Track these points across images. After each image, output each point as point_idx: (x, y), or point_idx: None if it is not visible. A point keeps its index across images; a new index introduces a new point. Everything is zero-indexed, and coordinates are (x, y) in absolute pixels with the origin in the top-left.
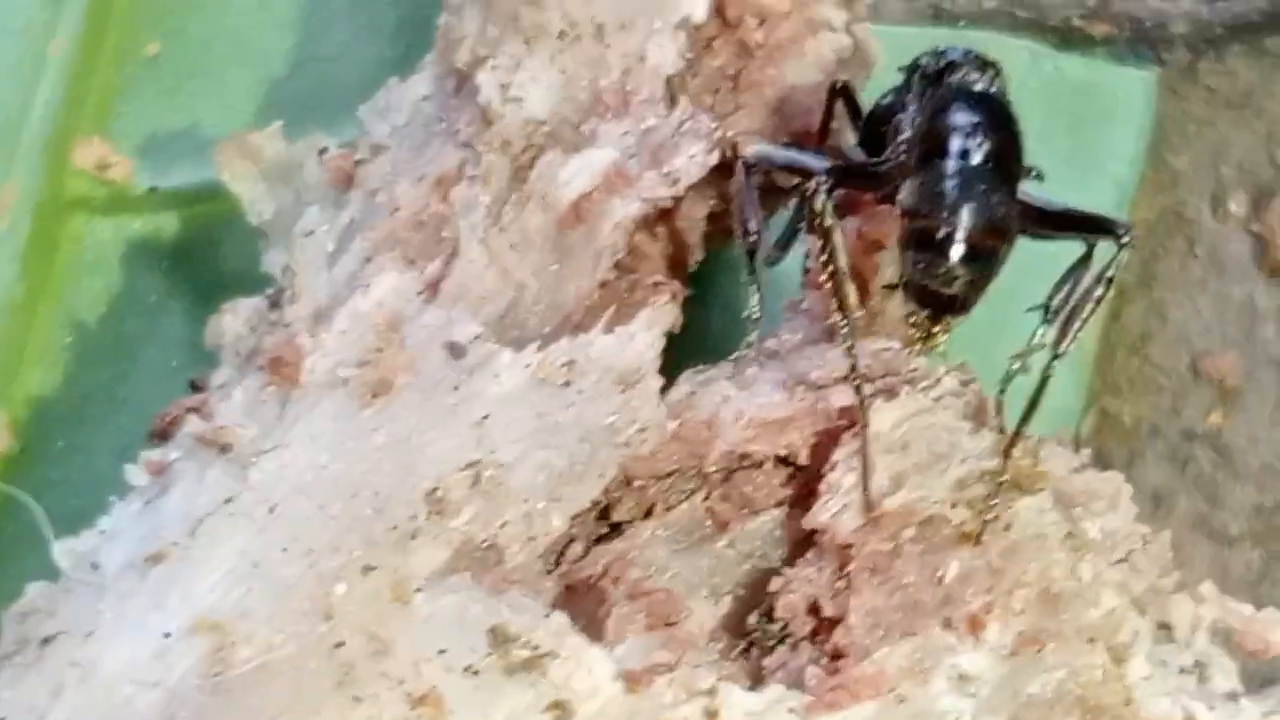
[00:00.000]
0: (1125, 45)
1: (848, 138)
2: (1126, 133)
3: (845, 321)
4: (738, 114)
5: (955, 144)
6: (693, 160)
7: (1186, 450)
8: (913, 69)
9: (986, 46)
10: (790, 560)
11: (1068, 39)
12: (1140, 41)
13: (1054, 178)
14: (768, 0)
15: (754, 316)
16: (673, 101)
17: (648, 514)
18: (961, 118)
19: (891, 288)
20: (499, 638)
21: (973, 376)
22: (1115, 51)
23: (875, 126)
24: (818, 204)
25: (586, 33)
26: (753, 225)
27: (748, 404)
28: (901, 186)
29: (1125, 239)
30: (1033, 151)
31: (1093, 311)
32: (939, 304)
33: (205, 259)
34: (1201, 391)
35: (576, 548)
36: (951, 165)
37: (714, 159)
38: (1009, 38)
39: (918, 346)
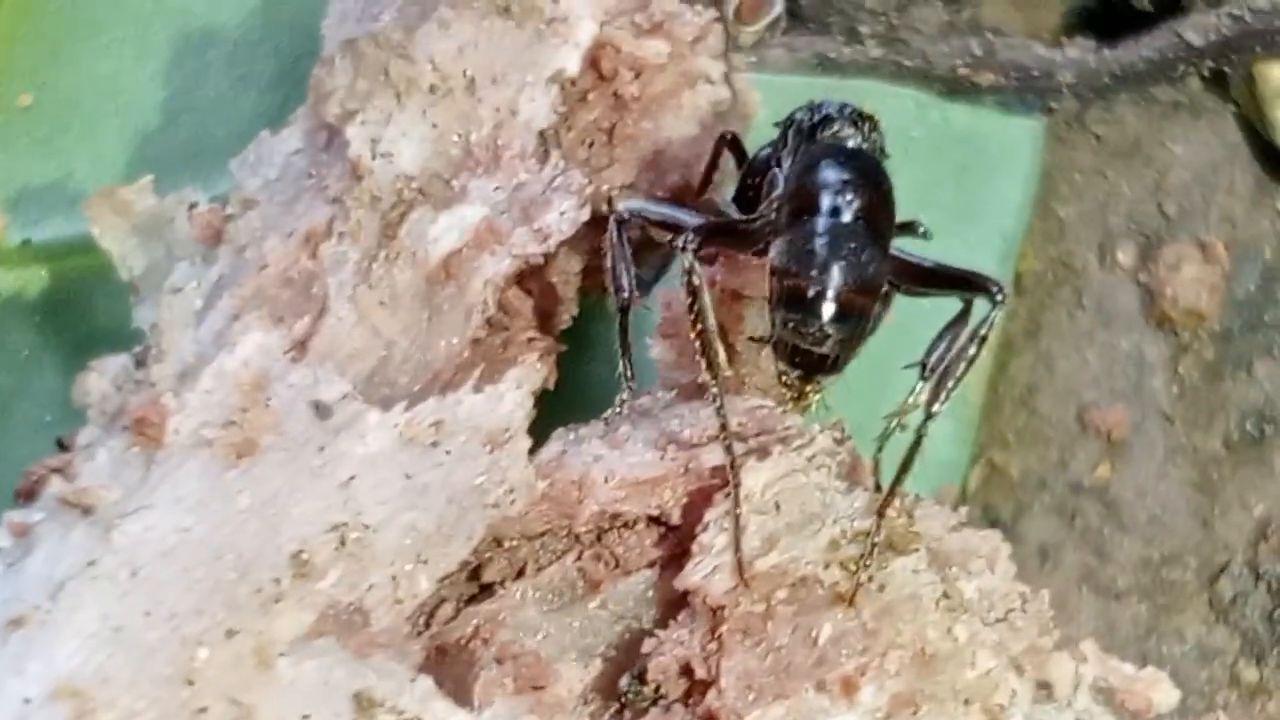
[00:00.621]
0: (1012, 94)
1: (729, 191)
2: (1013, 182)
3: (714, 380)
4: (612, 168)
5: (825, 201)
6: (564, 216)
7: (1074, 503)
8: (788, 123)
9: (872, 96)
10: (663, 621)
11: (954, 88)
12: (1027, 90)
13: (940, 228)
14: (643, 53)
15: (626, 375)
16: (545, 156)
17: (519, 574)
18: (831, 175)
19: (757, 340)
20: (364, 703)
21: (847, 435)
22: (1002, 100)
23: (751, 180)
24: (685, 262)
25: (458, 86)
26: (624, 281)
27: (619, 463)
28: (772, 245)
29: (999, 298)
30: (919, 202)
31: (966, 370)
32: (810, 364)
33: (78, 313)
34: (1089, 444)
35: (447, 608)
36: (821, 223)
37: (585, 214)
38: (895, 87)
39: (790, 406)
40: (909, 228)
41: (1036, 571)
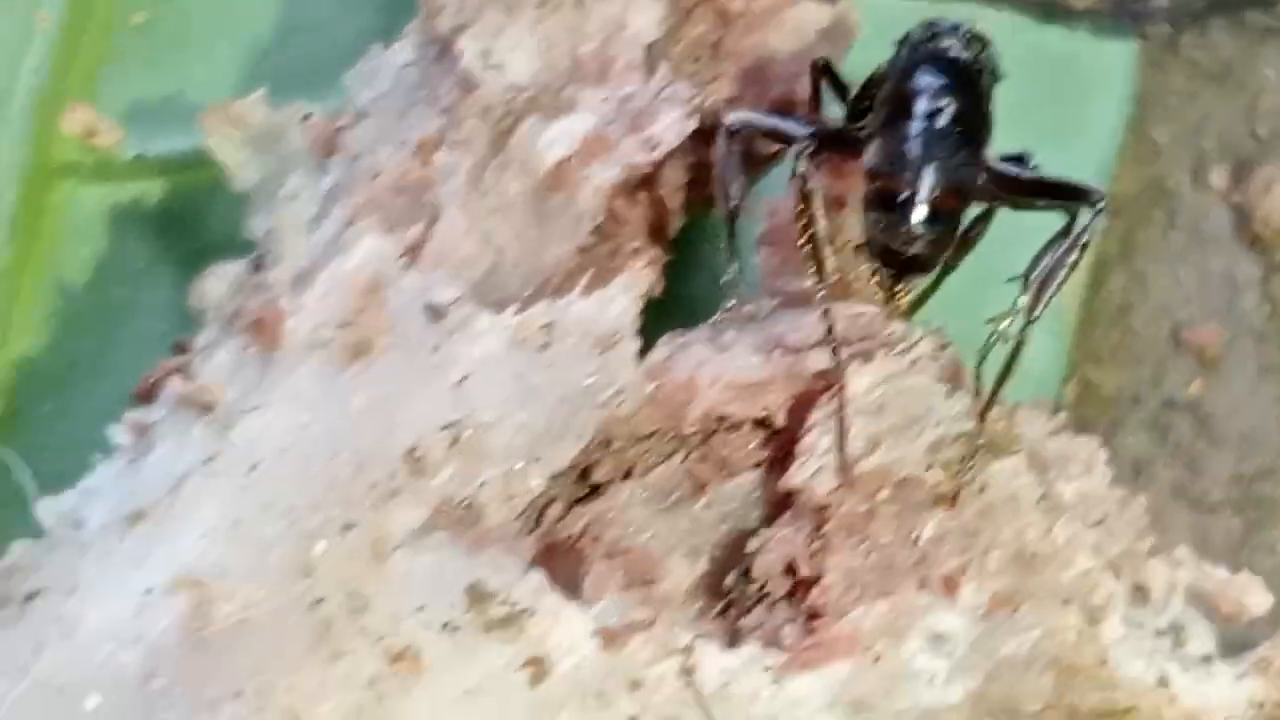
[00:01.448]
0: (1107, 18)
1: (834, 112)
2: (1108, 105)
3: (821, 285)
4: (717, 82)
5: (920, 106)
6: (671, 127)
7: (1167, 419)
8: (903, 42)
9: (967, 19)
10: (767, 521)
11: (1049, 12)
12: (1122, 14)
13: (1035, 150)
14: None
15: (732, 281)
16: (652, 69)
17: (626, 475)
18: (928, 80)
19: (860, 247)
20: (477, 595)
21: (948, 340)
22: (1097, 24)
23: (865, 98)
24: (799, 167)
25: (566, 0)
26: (733, 191)
27: (725, 367)
28: (867, 147)
29: (1099, 205)
30: (1014, 124)
31: (1067, 277)
32: (901, 264)
33: (190, 225)
34: (1182, 361)
35: (556, 508)
36: (915, 126)
37: (692, 125)
38: (990, 10)
39: (882, 307)
40: (1019, 160)
41: (1130, 487)
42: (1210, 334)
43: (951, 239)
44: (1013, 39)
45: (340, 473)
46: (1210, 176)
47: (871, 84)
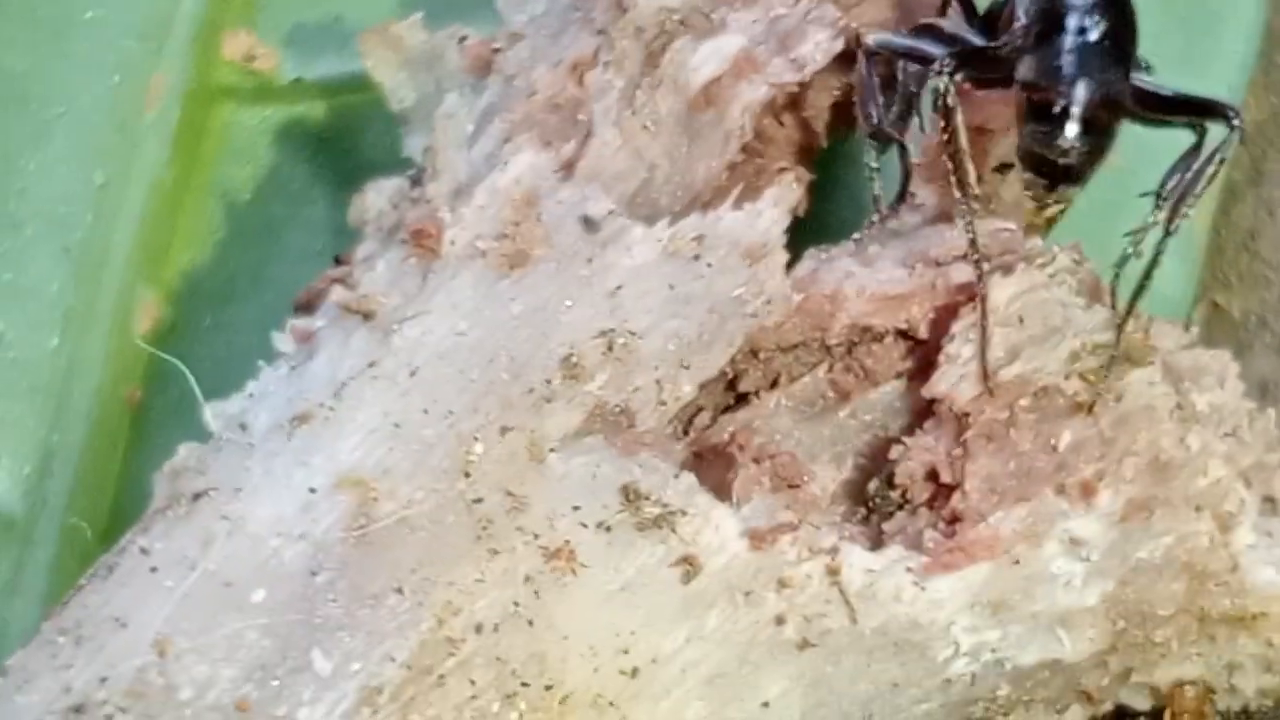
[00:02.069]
0: None
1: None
2: (1237, 35)
3: (965, 198)
4: (863, 5)
5: (1073, 21)
6: (818, 47)
7: None
8: None
9: None
10: (909, 430)
11: None
12: None
13: (1166, 78)
14: None
15: (877, 196)
16: None
17: (773, 385)
18: None
19: (1004, 168)
20: (630, 496)
21: (1083, 255)
22: None
23: (992, 16)
24: (940, 85)
25: None
26: (875, 110)
27: (869, 279)
28: (1020, 62)
29: (1236, 122)
30: (1147, 52)
31: (1203, 191)
32: (1055, 174)
33: (347, 146)
34: None
35: (704, 416)
36: (1069, 41)
37: (839, 46)
38: None
39: (1034, 218)
40: (1136, 63)
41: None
42: None
43: (1104, 151)
44: None
45: (498, 378)
46: None
47: (997, 6)
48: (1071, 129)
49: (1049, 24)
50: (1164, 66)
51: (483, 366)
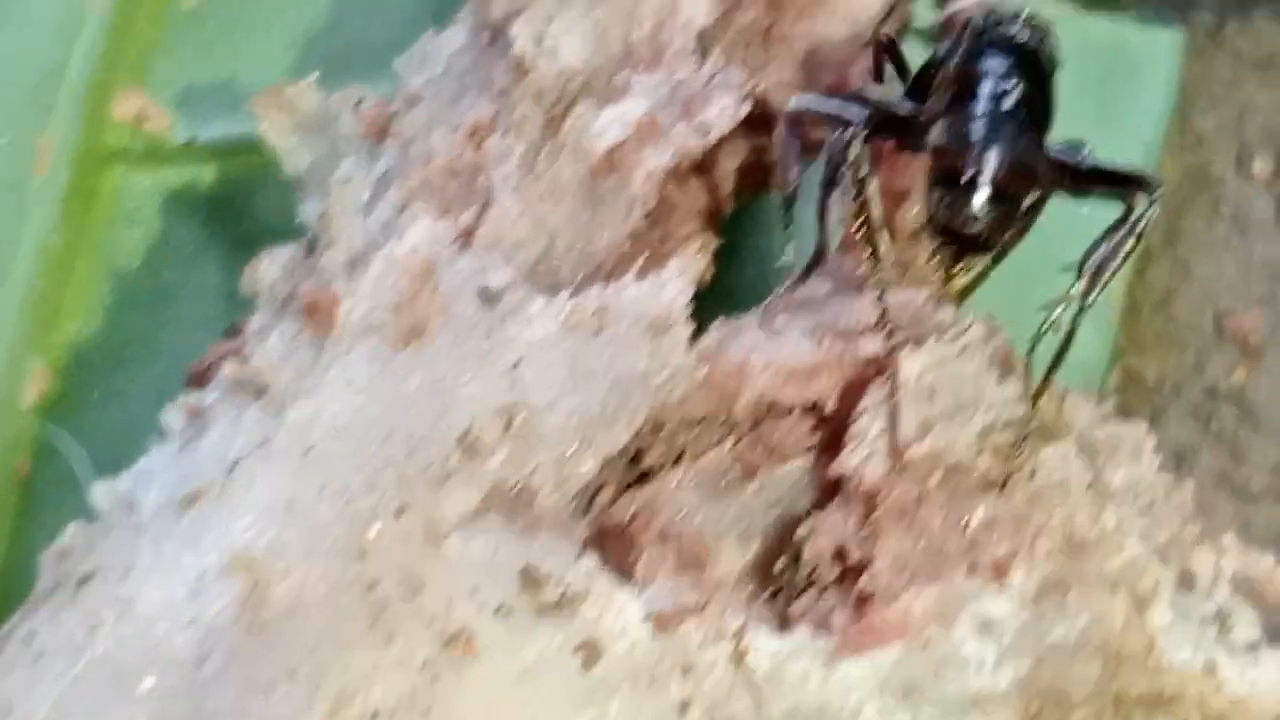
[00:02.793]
0: (1152, 7)
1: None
2: (1152, 94)
3: (876, 269)
4: (769, 68)
5: (986, 87)
6: (724, 112)
7: (1209, 407)
8: (963, 22)
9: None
10: (817, 506)
11: (1094, 1)
12: (1166, 3)
13: (1080, 136)
14: None
15: (787, 265)
16: (704, 55)
17: (677, 460)
18: (995, 63)
19: (917, 233)
20: (530, 578)
21: (997, 327)
22: (1142, 13)
23: (922, 79)
24: (853, 152)
25: None
26: (792, 175)
27: (776, 352)
28: (932, 128)
29: (1157, 194)
30: (1060, 112)
31: (1121, 264)
32: (962, 243)
33: (241, 210)
34: (1225, 349)
35: (607, 493)
36: (981, 107)
37: (745, 111)
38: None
39: (941, 287)
40: (1075, 148)
41: (1173, 475)
42: (1253, 321)
43: (1012, 220)
44: (1058, 27)
45: (394, 455)
46: (1254, 165)
47: (930, 67)
48: (979, 197)
49: (962, 89)
50: (1079, 127)
51: (379, 444)
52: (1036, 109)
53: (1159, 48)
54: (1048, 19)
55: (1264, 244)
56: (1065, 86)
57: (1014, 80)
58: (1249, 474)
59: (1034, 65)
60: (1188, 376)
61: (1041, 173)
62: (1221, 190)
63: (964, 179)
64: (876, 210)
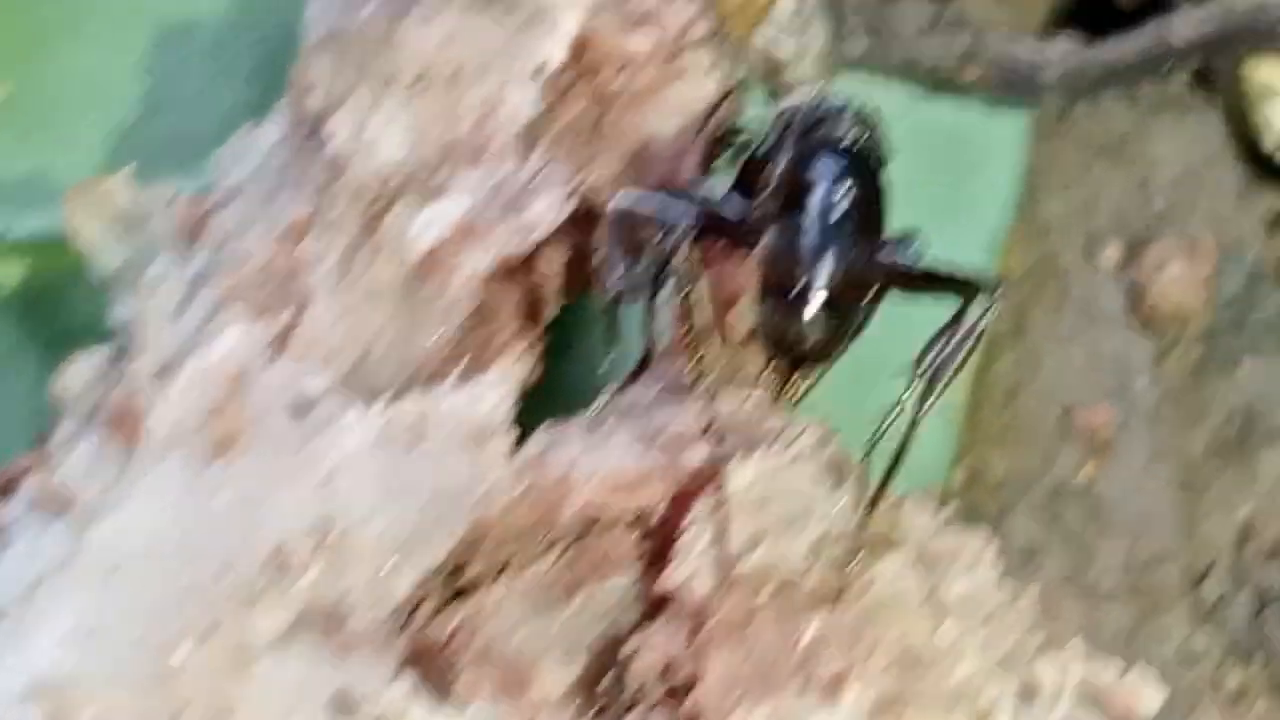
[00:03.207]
0: (998, 91)
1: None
2: (998, 179)
3: (703, 374)
4: (596, 162)
5: (817, 195)
6: (547, 211)
7: (1057, 504)
8: (790, 117)
9: (857, 91)
10: (644, 622)
11: (939, 84)
12: (1013, 87)
13: (924, 225)
14: (628, 46)
15: (611, 370)
16: (527, 151)
17: (500, 574)
18: (825, 169)
19: (745, 338)
20: (343, 702)
21: (831, 433)
22: (987, 97)
23: (749, 174)
24: (679, 255)
25: (440, 79)
26: (616, 276)
27: (601, 461)
28: (764, 236)
29: (995, 294)
30: (903, 198)
31: (959, 369)
32: (796, 354)
33: (54, 310)
34: (1073, 444)
35: (427, 607)
36: (812, 215)
37: (568, 209)
38: (880, 81)
39: (776, 398)
40: (906, 239)
41: (1020, 573)
42: (1102, 416)
43: (847, 331)
44: (903, 113)
45: (202, 575)
46: (1103, 253)
47: (758, 161)
48: (811, 309)
49: (792, 196)
50: (924, 214)
51: (186, 562)
52: (869, 213)
53: (1005, 132)
54: (874, 110)
55: (1112, 335)
56: (909, 173)
57: (845, 186)
58: (1097, 574)
59: (865, 168)
60: (1035, 473)
61: (875, 279)
62: (1070, 280)
63: (795, 291)
64: (704, 314)
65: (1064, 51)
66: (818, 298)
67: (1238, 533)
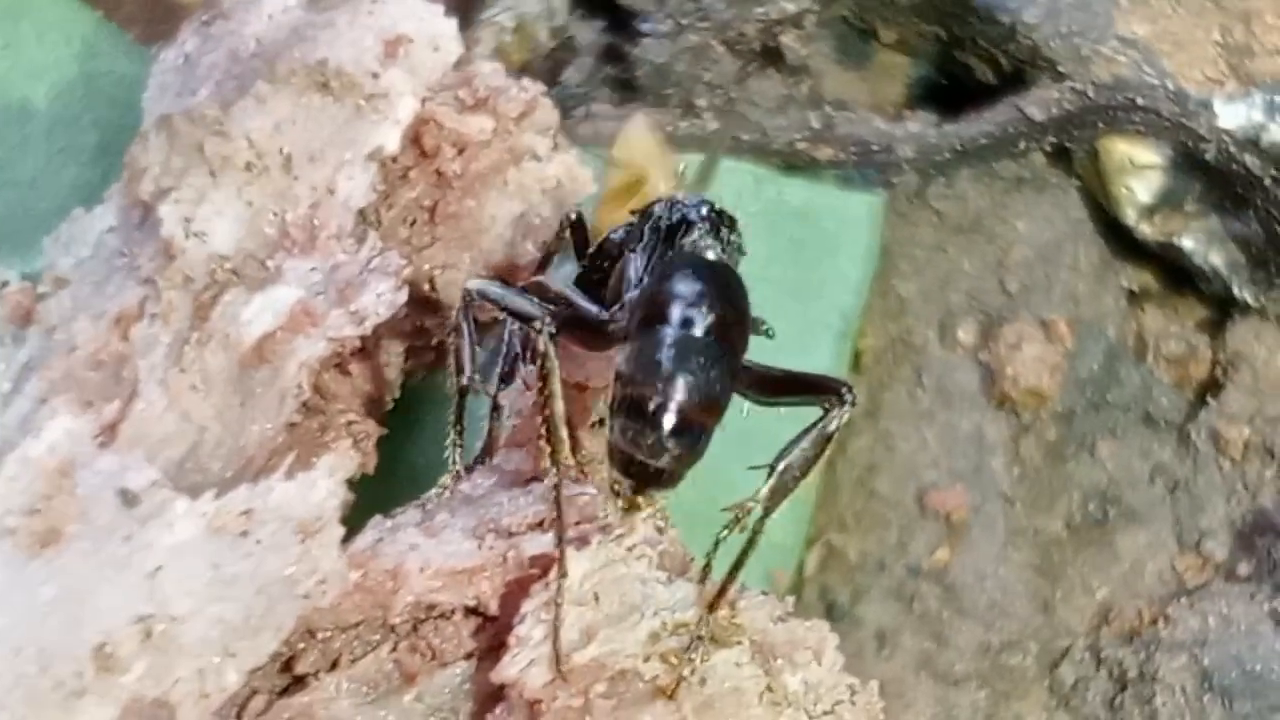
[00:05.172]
0: (851, 169)
1: (566, 270)
2: (852, 258)
3: (556, 469)
4: (434, 247)
5: (677, 313)
6: (380, 298)
7: (912, 587)
8: (644, 216)
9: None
10: (479, 714)
11: (792, 162)
12: (867, 165)
13: (777, 305)
14: (466, 129)
15: (454, 460)
16: (363, 236)
17: (333, 666)
18: (686, 287)
19: (601, 423)
20: None
21: (668, 524)
22: (841, 175)
23: (599, 263)
24: (540, 346)
25: (274, 164)
26: (466, 363)
27: (435, 552)
28: (619, 350)
29: (849, 399)
30: (755, 278)
31: (808, 470)
32: (645, 476)
33: None
34: (928, 526)
35: (258, 701)
36: (671, 335)
37: (403, 296)
38: (732, 161)
39: (620, 515)
40: (754, 326)
41: (874, 656)
42: (957, 497)
43: (699, 453)
44: (755, 190)
45: (25, 670)
46: (958, 332)
47: (605, 250)
48: (666, 429)
49: (651, 312)
50: (776, 294)
51: (8, 659)
52: (730, 331)
53: (859, 211)
54: (729, 210)
55: (968, 416)
56: (762, 252)
57: (706, 304)
58: (952, 657)
59: (728, 283)
60: (890, 555)
61: (738, 391)
62: (925, 359)
63: (650, 410)
64: (559, 409)
65: (918, 129)
66: (671, 420)
67: (1095, 615)
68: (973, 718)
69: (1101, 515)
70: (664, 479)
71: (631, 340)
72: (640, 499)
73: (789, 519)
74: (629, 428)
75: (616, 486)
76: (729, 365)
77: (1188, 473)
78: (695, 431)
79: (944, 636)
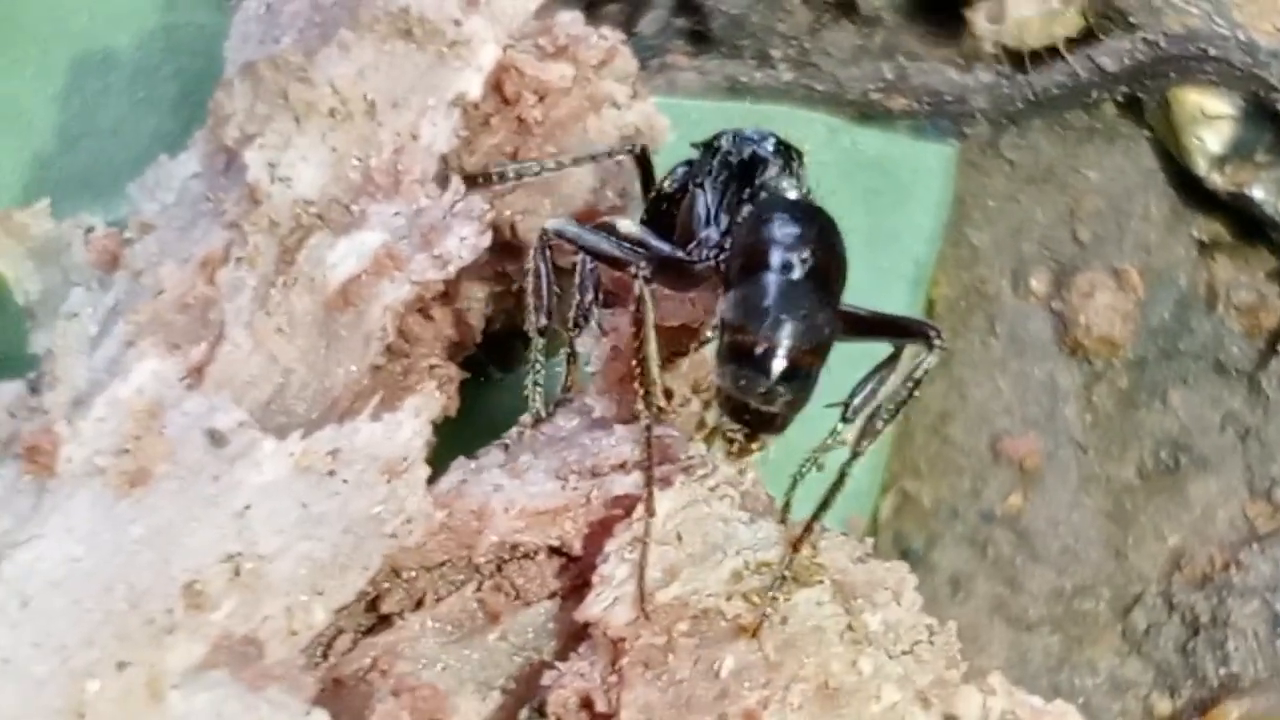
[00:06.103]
0: (924, 119)
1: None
2: (926, 208)
3: (649, 411)
4: (515, 192)
5: (777, 258)
6: (464, 242)
7: (986, 533)
8: (709, 150)
9: (783, 120)
10: (563, 653)
11: (866, 113)
12: (940, 116)
13: (852, 254)
14: (547, 76)
15: (534, 400)
16: (446, 181)
17: (418, 605)
18: (785, 231)
19: (674, 357)
20: None
21: (750, 463)
22: (915, 125)
23: (663, 205)
24: (637, 290)
25: (358, 110)
26: (545, 304)
27: (519, 493)
28: (721, 298)
29: (937, 342)
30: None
31: (896, 414)
32: (756, 421)
33: None
34: (1001, 473)
35: (344, 640)
36: (773, 280)
37: (486, 240)
38: (806, 111)
39: (731, 460)
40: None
41: (948, 602)
42: (1030, 444)
43: (808, 396)
44: (829, 141)
45: (115, 607)
46: (1030, 282)
47: (668, 192)
48: (775, 374)
49: (751, 259)
50: (851, 244)
51: (99, 595)
52: (829, 272)
53: (932, 161)
54: (794, 139)
55: (1041, 364)
56: (835, 203)
57: (805, 248)
58: (1025, 602)
59: (823, 225)
60: (964, 501)
61: (837, 337)
62: (998, 308)
63: (760, 358)
64: (653, 349)
65: (991, 80)
66: (780, 365)
67: (1167, 561)
68: (1045, 662)
69: (1173, 462)
70: (776, 423)
71: (734, 288)
72: (752, 445)
73: (865, 465)
74: (740, 375)
75: (728, 433)
76: (831, 307)
77: (1258, 420)
78: (804, 375)
79: (1017, 582)
